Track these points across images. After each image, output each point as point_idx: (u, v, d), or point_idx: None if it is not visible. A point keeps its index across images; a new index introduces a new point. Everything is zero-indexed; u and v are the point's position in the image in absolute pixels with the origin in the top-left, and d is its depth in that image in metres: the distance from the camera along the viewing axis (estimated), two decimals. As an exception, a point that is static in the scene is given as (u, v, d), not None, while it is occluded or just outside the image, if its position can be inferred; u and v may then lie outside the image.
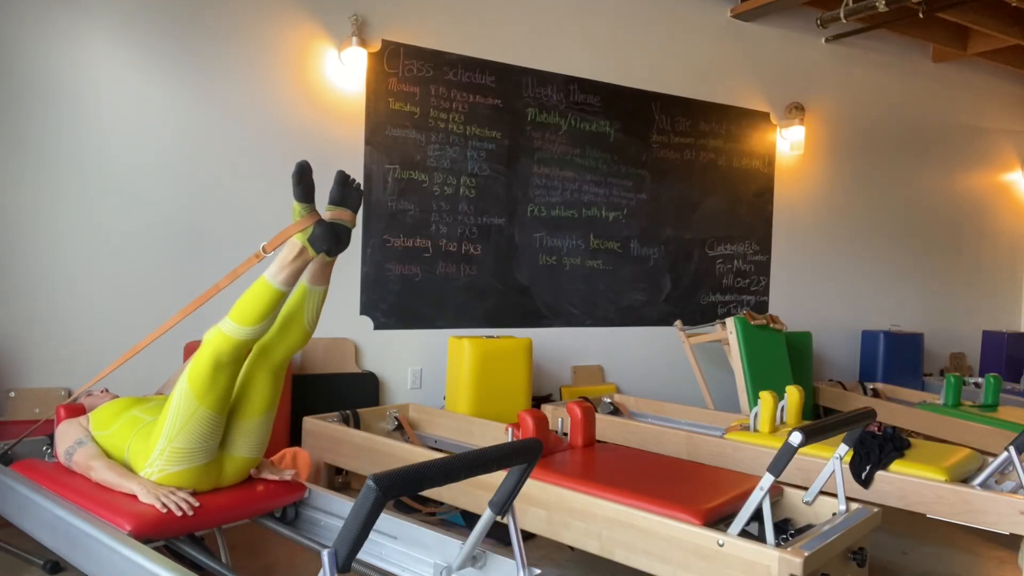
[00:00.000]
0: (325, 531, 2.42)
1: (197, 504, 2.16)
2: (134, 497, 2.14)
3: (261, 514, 2.41)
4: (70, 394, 3.50)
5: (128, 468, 2.26)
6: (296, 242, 2.15)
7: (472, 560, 2.02)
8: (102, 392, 2.74)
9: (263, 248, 2.22)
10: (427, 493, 2.99)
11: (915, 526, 3.58)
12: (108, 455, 2.31)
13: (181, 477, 2.19)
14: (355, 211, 2.27)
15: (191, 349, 3.55)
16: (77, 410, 2.54)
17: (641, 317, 5.15)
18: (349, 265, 4.16)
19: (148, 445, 2.21)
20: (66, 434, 2.38)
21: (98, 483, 2.24)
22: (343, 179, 2.26)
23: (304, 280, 2.30)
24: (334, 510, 2.41)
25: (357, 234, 4.15)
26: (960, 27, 6.13)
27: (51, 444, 3.11)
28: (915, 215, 6.62)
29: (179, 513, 2.11)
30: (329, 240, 2.16)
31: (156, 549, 1.96)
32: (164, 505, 2.10)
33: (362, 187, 2.27)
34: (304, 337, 2.33)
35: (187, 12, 3.72)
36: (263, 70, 3.91)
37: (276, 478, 2.42)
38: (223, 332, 2.14)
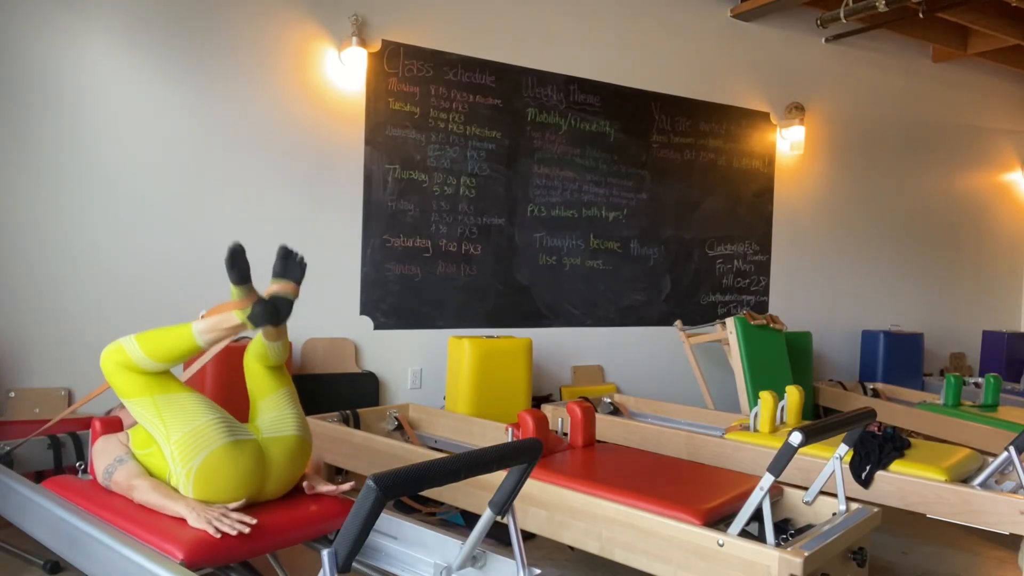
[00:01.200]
0: (382, 555, 2.25)
1: (254, 522, 1.98)
2: (182, 521, 1.98)
3: (316, 537, 2.24)
4: (70, 394, 3.50)
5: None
6: (235, 317, 2.12)
7: (472, 560, 2.02)
8: None
9: (201, 317, 2.18)
10: (427, 493, 2.99)
11: (915, 526, 3.59)
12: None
13: (217, 468, 2.03)
14: (298, 283, 2.24)
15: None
16: (114, 424, 2.38)
17: (641, 317, 5.16)
18: (349, 265, 4.16)
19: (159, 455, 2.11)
20: (104, 451, 2.23)
21: (141, 505, 2.08)
22: (285, 253, 2.24)
23: (260, 335, 2.30)
24: (391, 531, 2.24)
25: (357, 234, 4.16)
26: (960, 27, 6.13)
27: (49, 445, 3.11)
28: (915, 215, 6.62)
29: (233, 533, 1.93)
30: (269, 316, 2.13)
31: None
32: (218, 530, 1.92)
33: (305, 260, 2.27)
34: (281, 371, 2.36)
35: (187, 13, 3.72)
36: (263, 70, 3.91)
37: (331, 488, 2.27)
38: (126, 352, 2.08)
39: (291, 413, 2.27)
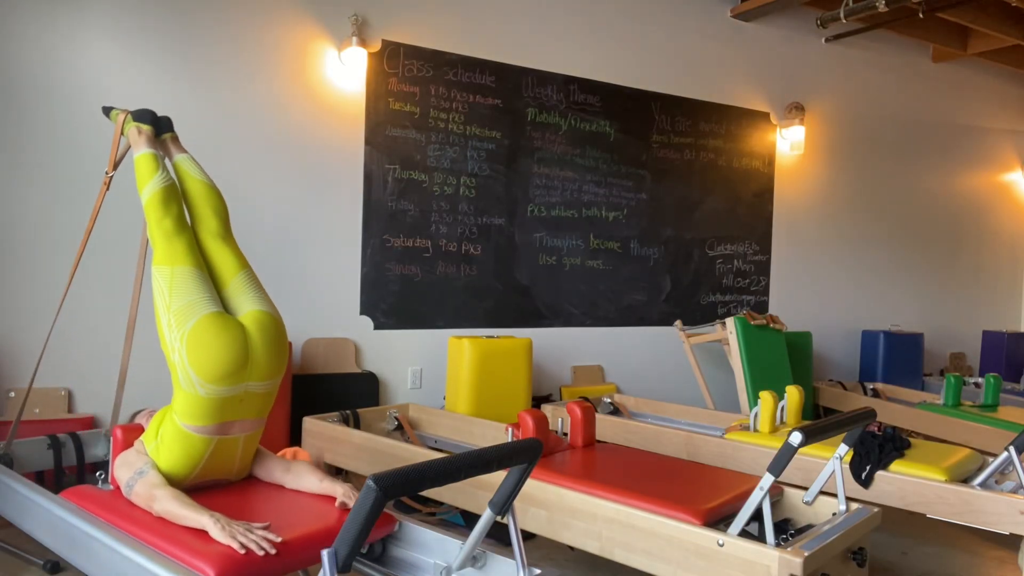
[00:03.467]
0: (417, 569, 2.18)
1: (278, 539, 1.93)
2: (204, 534, 1.95)
3: None
4: (70, 394, 3.50)
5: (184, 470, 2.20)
6: (132, 130, 2.61)
7: (472, 560, 2.02)
8: (151, 412, 2.64)
9: (106, 172, 2.84)
10: (427, 493, 2.99)
11: (915, 526, 3.59)
12: (169, 472, 2.20)
13: (204, 332, 2.16)
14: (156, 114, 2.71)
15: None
16: (136, 431, 2.39)
17: (641, 317, 5.16)
18: (349, 265, 4.16)
19: (164, 346, 2.22)
20: (125, 464, 2.24)
21: (160, 516, 2.06)
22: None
23: (168, 161, 2.60)
24: (426, 542, 2.18)
25: (357, 234, 4.16)
26: (960, 27, 6.13)
27: (49, 445, 3.11)
28: (915, 215, 6.62)
29: (260, 552, 1.88)
30: (146, 112, 2.63)
31: None
32: (242, 545, 1.88)
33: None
34: (210, 189, 2.54)
35: (187, 12, 3.72)
36: (263, 70, 3.91)
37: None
38: (147, 198, 2.38)
39: (256, 296, 2.37)
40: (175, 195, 2.42)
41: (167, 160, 2.61)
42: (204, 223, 2.48)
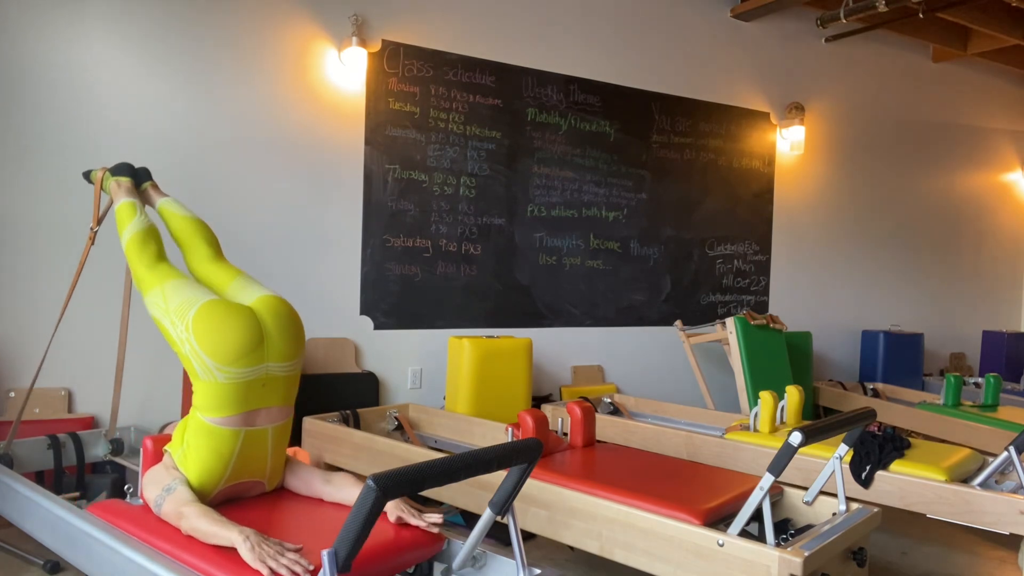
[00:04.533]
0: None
1: (311, 567, 1.80)
2: (237, 554, 1.86)
3: (396, 573, 2.03)
4: (70, 394, 3.50)
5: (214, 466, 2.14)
6: (112, 184, 2.74)
7: (472, 560, 2.02)
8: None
9: (91, 228, 2.91)
10: (427, 493, 2.99)
11: (915, 526, 3.59)
12: (200, 475, 2.13)
13: (210, 315, 2.16)
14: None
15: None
16: (165, 440, 2.33)
17: (641, 317, 5.15)
18: (349, 265, 4.16)
19: (175, 347, 2.22)
20: (153, 482, 2.17)
21: (190, 535, 1.97)
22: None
23: (150, 206, 2.75)
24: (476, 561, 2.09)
25: (357, 234, 4.16)
26: (960, 27, 6.14)
27: (49, 446, 3.11)
28: (915, 215, 6.62)
29: None
30: (123, 166, 2.77)
31: None
32: (272, 571, 1.78)
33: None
34: (196, 222, 2.64)
35: (187, 12, 3.72)
36: (263, 70, 3.91)
37: (420, 524, 2.06)
38: (127, 240, 2.45)
39: (259, 287, 2.40)
40: (154, 235, 2.49)
41: (151, 207, 2.75)
42: (196, 251, 2.56)
